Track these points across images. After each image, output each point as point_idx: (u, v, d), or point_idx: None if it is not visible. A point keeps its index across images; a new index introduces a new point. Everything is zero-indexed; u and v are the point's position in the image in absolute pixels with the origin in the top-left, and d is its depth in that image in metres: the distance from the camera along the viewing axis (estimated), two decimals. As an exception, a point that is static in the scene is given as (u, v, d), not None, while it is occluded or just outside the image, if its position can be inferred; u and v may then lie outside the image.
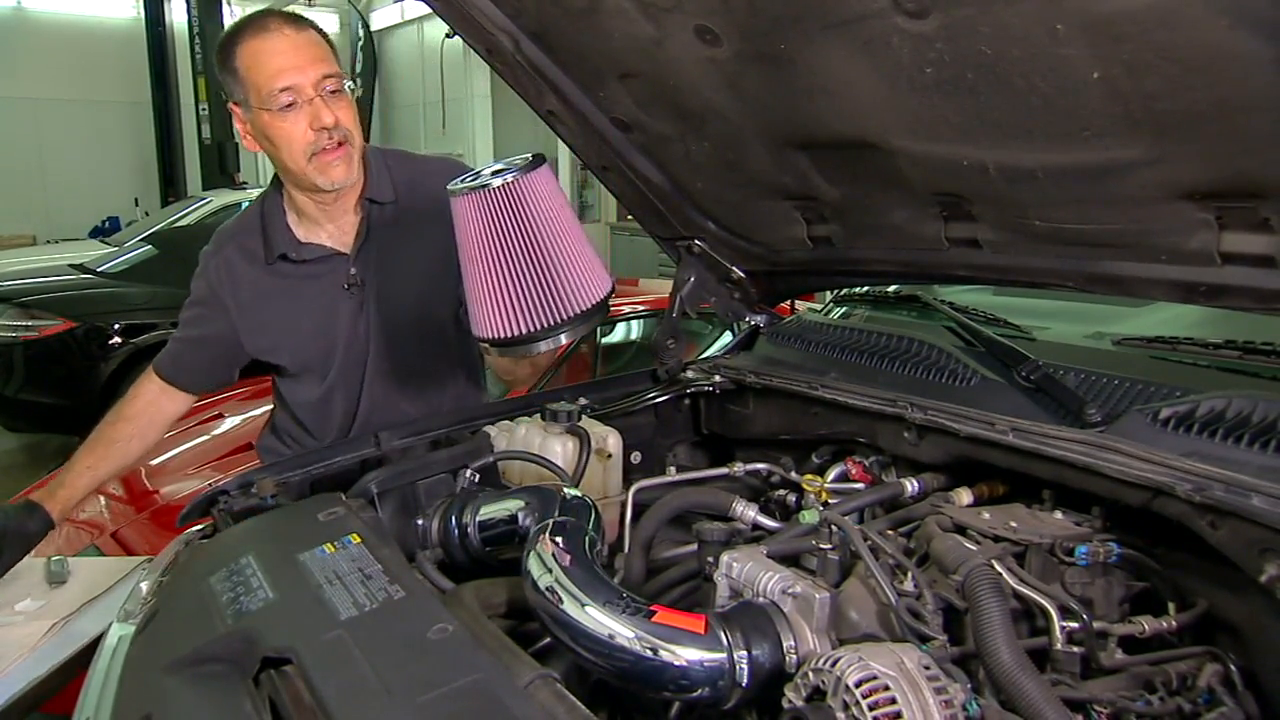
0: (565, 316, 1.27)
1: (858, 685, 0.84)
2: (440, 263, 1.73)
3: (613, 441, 1.59)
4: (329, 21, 15.51)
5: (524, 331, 1.27)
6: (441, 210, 1.71)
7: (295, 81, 1.50)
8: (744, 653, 0.95)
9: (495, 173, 1.27)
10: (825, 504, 1.42)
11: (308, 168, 1.56)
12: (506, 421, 1.72)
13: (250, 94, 1.53)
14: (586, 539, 1.13)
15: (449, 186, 1.28)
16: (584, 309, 1.29)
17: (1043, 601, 0.99)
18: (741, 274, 1.91)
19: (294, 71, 1.50)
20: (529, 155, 1.31)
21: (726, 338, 2.06)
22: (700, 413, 1.87)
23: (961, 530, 1.12)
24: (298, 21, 1.55)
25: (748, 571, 1.08)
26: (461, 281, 1.65)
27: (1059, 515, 1.17)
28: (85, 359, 5.50)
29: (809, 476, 1.50)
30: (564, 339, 1.31)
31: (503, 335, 1.29)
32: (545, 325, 1.27)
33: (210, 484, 1.59)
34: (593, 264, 1.32)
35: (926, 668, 0.86)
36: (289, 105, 1.50)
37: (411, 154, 1.84)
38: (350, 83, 1.59)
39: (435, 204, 1.71)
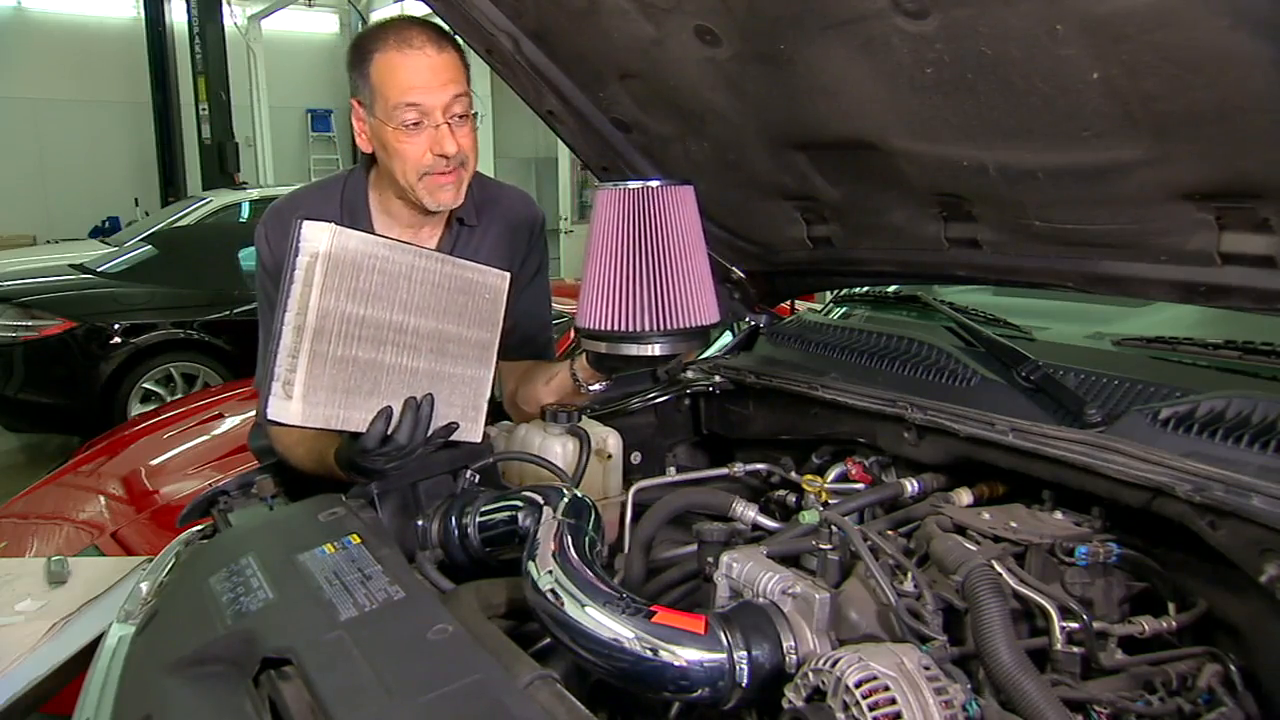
0: (665, 327, 1.33)
1: (858, 685, 0.84)
2: None
3: (613, 442, 1.59)
4: (329, 21, 15.55)
5: (623, 329, 1.34)
6: (505, 237, 1.74)
7: (425, 103, 1.46)
8: (744, 653, 0.95)
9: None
10: (825, 504, 1.42)
11: (417, 185, 1.53)
12: (507, 422, 1.73)
13: (376, 103, 1.49)
14: (586, 539, 1.13)
15: (597, 184, 1.37)
16: (684, 326, 1.34)
17: (1043, 602, 0.99)
18: (741, 274, 1.91)
19: (426, 93, 1.46)
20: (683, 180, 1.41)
21: (726, 338, 2.06)
22: (700, 413, 1.87)
23: (961, 530, 1.12)
24: (440, 40, 1.49)
25: (748, 572, 1.08)
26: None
27: (1059, 515, 1.17)
28: (85, 359, 5.50)
29: (809, 477, 1.50)
30: (656, 350, 1.35)
31: (603, 327, 1.35)
32: (643, 329, 1.33)
33: (210, 484, 1.59)
34: (706, 290, 1.38)
35: (926, 668, 0.86)
36: (414, 124, 1.47)
37: (486, 177, 1.80)
38: (478, 107, 1.55)
39: (502, 231, 1.73)
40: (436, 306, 1.31)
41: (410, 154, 1.49)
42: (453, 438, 1.35)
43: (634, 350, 1.36)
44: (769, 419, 1.73)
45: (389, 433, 1.26)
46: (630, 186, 1.34)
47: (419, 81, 1.45)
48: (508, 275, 1.41)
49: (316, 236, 1.19)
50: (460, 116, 1.50)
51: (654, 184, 1.34)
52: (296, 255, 1.19)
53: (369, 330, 1.24)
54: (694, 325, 1.35)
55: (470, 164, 1.56)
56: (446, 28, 1.54)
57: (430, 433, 1.30)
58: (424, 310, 1.30)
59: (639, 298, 1.33)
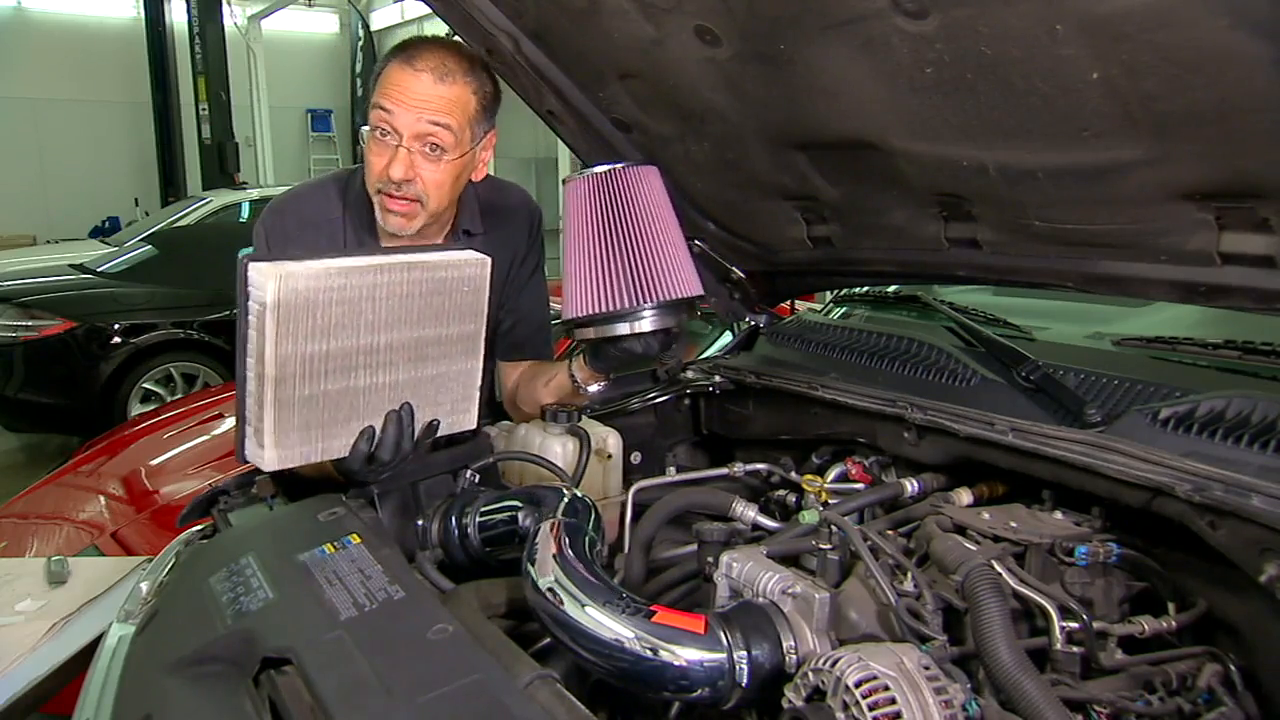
0: (648, 300, 1.33)
1: (857, 685, 0.84)
2: (496, 288, 1.72)
3: (613, 442, 1.59)
4: (329, 21, 15.55)
5: (608, 309, 1.34)
6: (507, 239, 1.73)
7: (396, 119, 1.43)
8: (744, 653, 0.95)
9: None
10: (825, 504, 1.42)
11: (375, 198, 1.51)
12: (507, 422, 1.73)
13: (369, 103, 1.49)
14: (586, 539, 1.13)
15: (564, 177, 1.39)
16: (668, 298, 1.34)
17: (1043, 601, 0.99)
18: (741, 274, 1.91)
19: (401, 111, 1.43)
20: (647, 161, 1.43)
21: (726, 338, 2.06)
22: (700, 413, 1.87)
23: (961, 530, 1.12)
24: (449, 74, 1.44)
25: (748, 572, 1.08)
26: (502, 306, 1.74)
27: (1059, 515, 1.17)
28: (85, 359, 5.50)
29: (809, 476, 1.51)
30: (645, 325, 1.35)
31: (588, 311, 1.35)
32: (627, 305, 1.33)
33: (210, 484, 1.59)
34: (684, 263, 1.38)
35: (926, 668, 0.86)
36: (381, 134, 1.45)
37: (488, 176, 1.74)
38: (468, 151, 1.50)
39: (503, 234, 1.72)
40: (408, 317, 1.24)
41: (372, 164, 1.47)
42: (446, 431, 1.34)
43: (623, 328, 1.35)
44: (769, 419, 1.73)
45: (372, 450, 1.25)
46: (595, 171, 1.35)
47: (401, 99, 1.43)
48: (487, 261, 1.33)
49: (263, 284, 1.11)
50: (434, 148, 1.45)
51: (617, 165, 1.36)
52: (247, 300, 1.13)
53: (335, 362, 1.18)
54: (677, 297, 1.35)
55: (430, 203, 1.49)
56: (467, 63, 1.48)
57: (416, 438, 1.29)
58: (395, 324, 1.23)
59: (618, 275, 1.33)
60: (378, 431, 1.26)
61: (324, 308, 1.15)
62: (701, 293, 1.41)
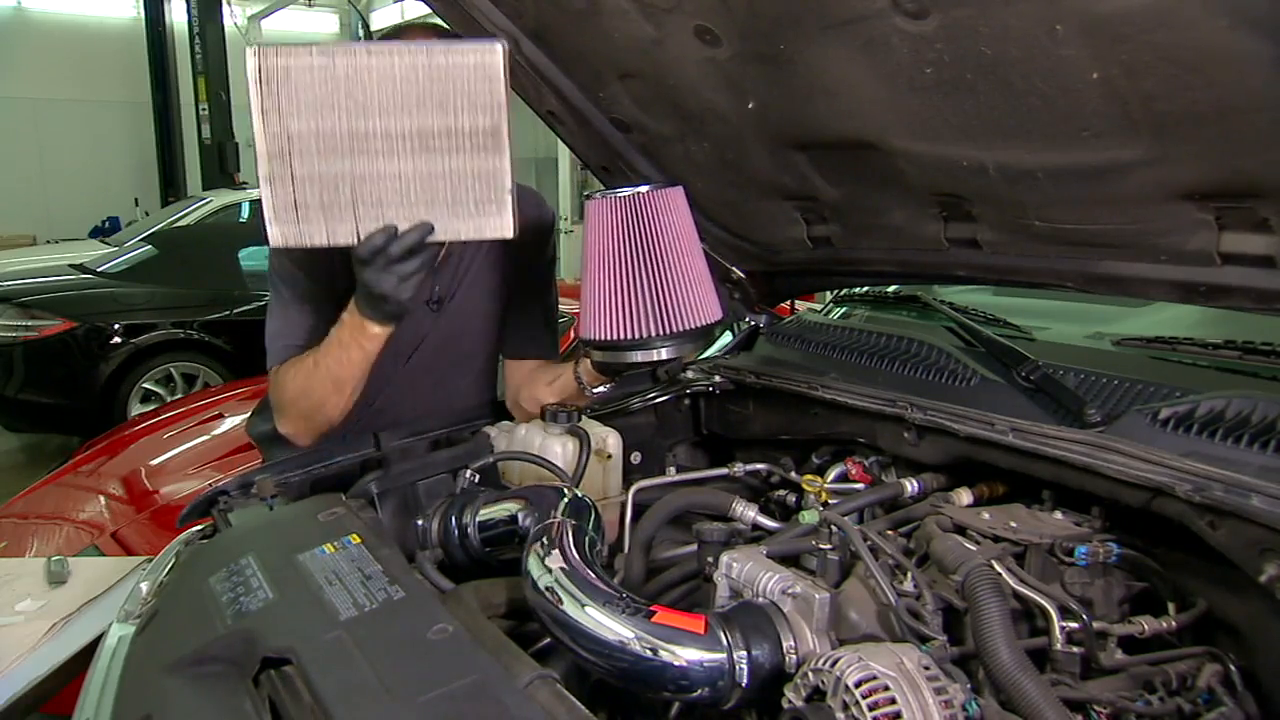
0: (668, 330, 1.32)
1: (857, 685, 0.84)
2: (500, 283, 1.73)
3: (612, 442, 1.59)
4: (329, 21, 15.54)
5: (627, 337, 1.32)
6: (517, 240, 1.69)
7: None
8: (744, 653, 0.95)
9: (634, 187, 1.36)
10: (825, 504, 1.42)
11: None
12: (507, 422, 1.73)
13: None
14: (586, 539, 1.13)
15: (585, 193, 1.34)
16: (688, 328, 1.33)
17: (1043, 602, 0.99)
18: (741, 274, 1.91)
19: None
20: (671, 181, 1.39)
21: (726, 338, 2.06)
22: (700, 413, 1.87)
23: (961, 530, 1.12)
24: None
25: (748, 572, 1.08)
26: (509, 303, 1.75)
27: (1059, 515, 1.17)
28: (85, 359, 5.51)
29: (809, 477, 1.51)
30: (663, 354, 1.34)
31: (606, 337, 1.34)
32: (648, 335, 1.32)
33: (210, 484, 1.59)
34: (706, 288, 1.37)
35: (926, 668, 0.86)
36: None
37: None
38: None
39: (519, 237, 1.69)
40: (406, 103, 1.22)
41: None
42: (476, 235, 1.32)
43: (640, 356, 1.35)
44: (769, 419, 1.73)
45: (386, 247, 1.26)
46: (620, 194, 1.32)
47: None
48: (498, 47, 1.24)
49: (249, 62, 1.19)
50: None
51: (643, 189, 1.32)
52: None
53: (329, 142, 1.21)
54: (698, 326, 1.34)
55: None
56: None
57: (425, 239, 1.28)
58: (392, 110, 1.22)
59: (641, 304, 1.32)
60: (400, 231, 1.26)
61: (308, 86, 1.20)
62: (721, 316, 1.39)
